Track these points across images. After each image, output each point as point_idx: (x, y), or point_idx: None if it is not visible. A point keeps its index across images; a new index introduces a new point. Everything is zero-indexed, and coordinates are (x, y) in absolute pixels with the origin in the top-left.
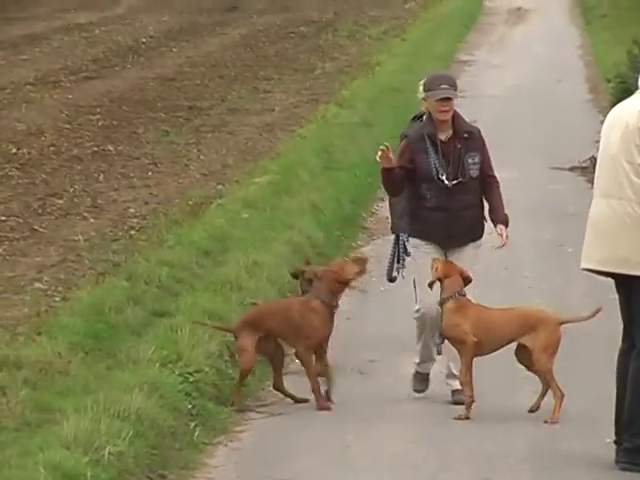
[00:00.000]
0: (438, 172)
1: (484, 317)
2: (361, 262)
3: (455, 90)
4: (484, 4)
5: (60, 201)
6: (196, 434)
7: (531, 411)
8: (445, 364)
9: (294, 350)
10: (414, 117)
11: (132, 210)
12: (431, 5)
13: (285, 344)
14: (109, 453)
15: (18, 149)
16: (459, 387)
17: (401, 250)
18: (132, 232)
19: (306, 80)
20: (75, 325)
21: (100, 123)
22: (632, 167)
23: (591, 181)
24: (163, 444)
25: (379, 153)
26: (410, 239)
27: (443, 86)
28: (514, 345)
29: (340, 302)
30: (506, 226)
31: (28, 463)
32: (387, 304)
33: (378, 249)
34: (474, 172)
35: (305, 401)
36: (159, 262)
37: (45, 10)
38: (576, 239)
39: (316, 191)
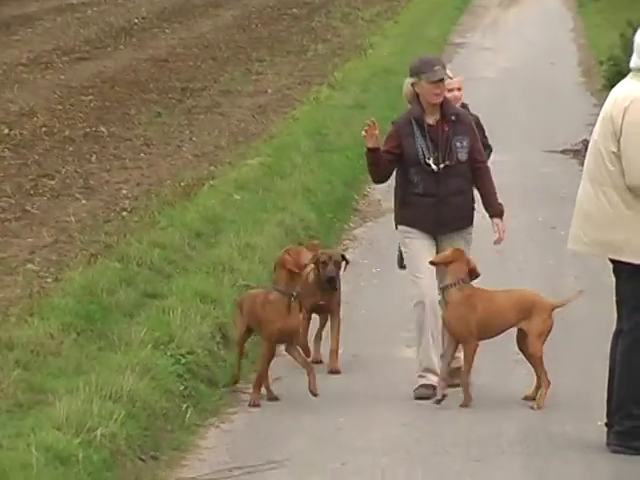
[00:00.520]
0: (425, 156)
1: (492, 301)
2: (314, 248)
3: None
4: None
5: (52, 182)
6: (188, 416)
7: (526, 398)
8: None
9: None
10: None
11: (124, 191)
12: None
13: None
14: (101, 434)
15: (10, 130)
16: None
17: None
18: (124, 213)
19: (299, 62)
20: (67, 306)
21: (92, 104)
22: (607, 154)
23: (583, 164)
24: (155, 425)
25: (365, 128)
26: (400, 226)
27: (437, 67)
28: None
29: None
30: (502, 218)
31: (20, 444)
32: (380, 287)
33: (370, 231)
34: (462, 155)
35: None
36: (151, 243)
37: None
38: (568, 222)
39: (308, 173)
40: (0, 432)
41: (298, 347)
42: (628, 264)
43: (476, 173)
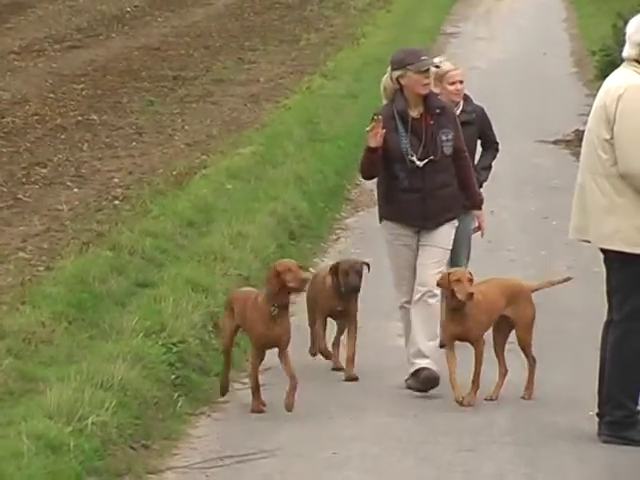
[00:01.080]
0: (408, 152)
1: (486, 297)
2: (303, 282)
3: None
4: None
5: (44, 170)
6: (179, 404)
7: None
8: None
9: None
10: None
11: (116, 180)
12: None
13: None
14: (92, 423)
15: (2, 118)
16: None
17: None
18: (116, 202)
19: (291, 51)
20: (59, 295)
21: (84, 92)
22: (599, 142)
23: (575, 154)
24: (146, 414)
25: (371, 124)
26: (384, 221)
27: (424, 57)
28: None
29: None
30: (480, 209)
31: (11, 432)
32: (371, 275)
33: (362, 220)
34: (447, 149)
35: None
36: (143, 232)
37: None
38: (560, 212)
39: (301, 162)
40: None
41: (287, 355)
42: (619, 253)
43: (458, 164)
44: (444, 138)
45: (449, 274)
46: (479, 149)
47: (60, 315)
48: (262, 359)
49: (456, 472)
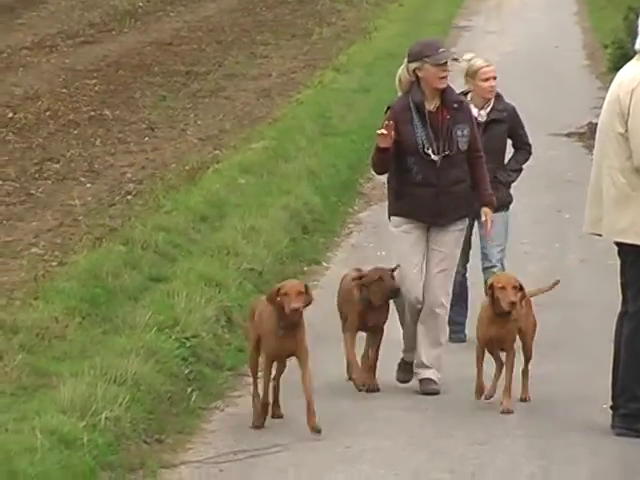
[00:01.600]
0: (424, 145)
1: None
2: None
3: None
4: None
5: (57, 166)
6: (193, 399)
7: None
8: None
9: None
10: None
11: (129, 175)
12: None
13: None
14: (106, 418)
15: (15, 113)
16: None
17: None
18: (129, 197)
19: (303, 45)
20: (72, 290)
21: (97, 88)
22: (614, 135)
23: (588, 147)
24: (160, 409)
25: (382, 130)
26: (392, 217)
27: (441, 50)
28: None
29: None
30: (492, 208)
31: (25, 428)
32: None
33: (375, 215)
34: (463, 145)
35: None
36: (156, 227)
37: None
38: (574, 205)
39: (313, 156)
40: (5, 416)
41: (306, 373)
42: (634, 246)
43: (471, 161)
44: (460, 133)
45: (494, 281)
46: (509, 149)
47: (73, 310)
48: (281, 372)
49: (469, 465)
